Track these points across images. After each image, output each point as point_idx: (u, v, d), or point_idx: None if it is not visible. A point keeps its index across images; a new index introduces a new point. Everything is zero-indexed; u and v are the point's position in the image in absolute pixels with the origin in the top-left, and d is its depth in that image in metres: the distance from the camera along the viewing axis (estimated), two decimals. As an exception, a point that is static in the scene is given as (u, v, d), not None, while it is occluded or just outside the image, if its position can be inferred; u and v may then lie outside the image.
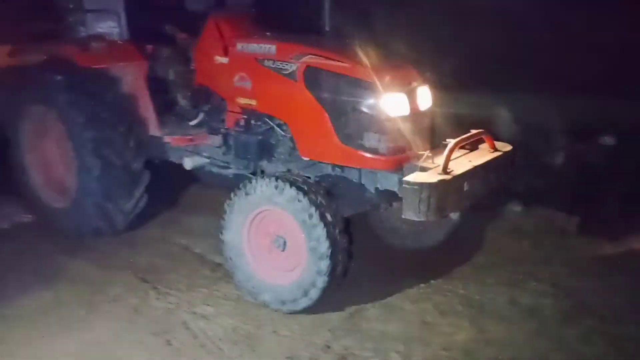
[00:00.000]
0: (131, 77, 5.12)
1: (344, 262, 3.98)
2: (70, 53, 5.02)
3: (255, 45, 4.56)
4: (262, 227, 4.18)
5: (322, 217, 3.82)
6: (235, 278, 4.28)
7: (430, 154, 3.92)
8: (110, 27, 5.18)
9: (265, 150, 4.73)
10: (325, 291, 3.93)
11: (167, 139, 5.22)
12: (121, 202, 5.01)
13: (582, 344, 3.79)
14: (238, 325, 3.98)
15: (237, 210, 4.17)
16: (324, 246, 3.81)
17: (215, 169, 5.23)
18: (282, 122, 4.56)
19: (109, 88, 4.99)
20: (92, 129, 4.79)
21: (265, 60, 4.46)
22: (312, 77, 4.21)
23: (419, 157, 3.94)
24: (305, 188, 3.90)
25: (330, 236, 3.81)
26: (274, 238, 4.12)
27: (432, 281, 4.51)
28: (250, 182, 4.09)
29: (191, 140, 5.15)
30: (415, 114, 4.15)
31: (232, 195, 4.20)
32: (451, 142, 3.79)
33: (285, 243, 4.08)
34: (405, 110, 4.07)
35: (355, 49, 4.20)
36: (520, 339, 3.85)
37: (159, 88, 5.29)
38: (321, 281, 3.87)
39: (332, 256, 3.82)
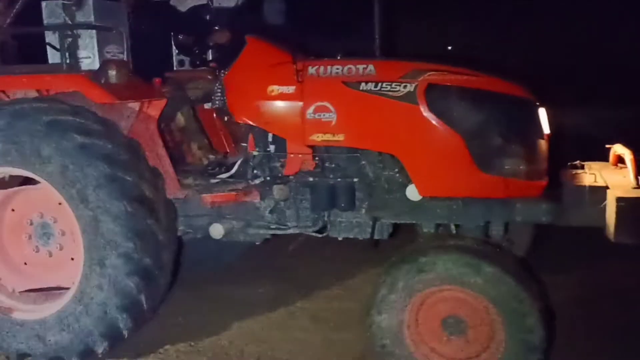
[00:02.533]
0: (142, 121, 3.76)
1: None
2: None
3: (339, 67, 3.68)
4: (432, 308, 3.24)
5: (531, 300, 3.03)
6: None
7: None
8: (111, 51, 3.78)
9: (346, 197, 3.79)
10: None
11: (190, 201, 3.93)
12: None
13: None
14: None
15: (401, 289, 3.18)
16: (537, 337, 3.01)
17: (252, 233, 4.06)
18: (381, 157, 3.73)
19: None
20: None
21: (362, 84, 3.61)
22: (438, 97, 3.50)
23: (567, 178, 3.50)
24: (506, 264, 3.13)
25: (543, 323, 3.03)
26: (447, 321, 3.21)
27: None
28: (426, 257, 3.16)
29: (228, 199, 3.92)
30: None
31: (389, 271, 3.22)
32: (628, 153, 3.41)
33: (465, 327, 3.19)
34: (548, 129, 3.59)
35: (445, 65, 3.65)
36: None
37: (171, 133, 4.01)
38: None
39: (544, 349, 3.05)
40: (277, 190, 3.83)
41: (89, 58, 3.65)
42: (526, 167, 3.51)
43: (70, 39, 3.39)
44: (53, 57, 3.83)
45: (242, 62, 3.92)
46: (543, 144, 3.54)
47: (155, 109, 3.78)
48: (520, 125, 3.52)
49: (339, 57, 3.86)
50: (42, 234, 3.72)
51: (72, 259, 3.71)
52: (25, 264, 3.84)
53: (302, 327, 4.12)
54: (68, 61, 3.43)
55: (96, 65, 3.66)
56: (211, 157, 4.21)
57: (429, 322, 3.23)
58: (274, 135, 3.90)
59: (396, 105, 3.55)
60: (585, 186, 3.43)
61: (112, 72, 3.40)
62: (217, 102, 4.09)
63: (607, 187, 3.32)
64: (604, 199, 3.25)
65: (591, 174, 3.52)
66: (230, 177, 4.09)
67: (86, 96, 3.38)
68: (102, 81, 3.42)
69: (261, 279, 4.88)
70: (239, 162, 4.11)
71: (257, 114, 3.85)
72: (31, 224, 3.72)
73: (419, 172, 3.60)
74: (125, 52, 3.72)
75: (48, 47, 3.74)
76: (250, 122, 3.90)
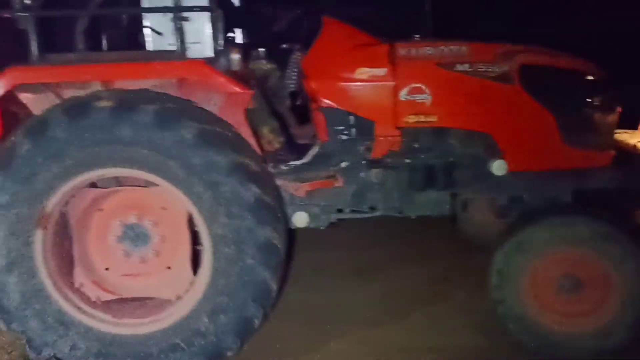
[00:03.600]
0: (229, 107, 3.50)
1: None
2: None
3: (431, 49, 3.73)
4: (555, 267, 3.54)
5: None
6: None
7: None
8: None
9: (436, 176, 3.90)
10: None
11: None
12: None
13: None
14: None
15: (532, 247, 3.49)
16: None
17: (334, 218, 4.01)
18: (469, 135, 3.84)
19: None
20: None
21: (457, 65, 3.70)
22: (531, 77, 3.70)
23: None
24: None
25: None
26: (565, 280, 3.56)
27: None
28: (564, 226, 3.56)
29: (323, 185, 3.83)
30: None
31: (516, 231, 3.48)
32: None
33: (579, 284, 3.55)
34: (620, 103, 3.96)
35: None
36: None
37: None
38: None
39: None
40: (372, 177, 3.82)
41: (197, 44, 3.30)
42: (601, 139, 3.87)
43: (181, 22, 3.05)
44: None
45: (323, 44, 3.81)
46: (615, 117, 3.91)
47: (246, 95, 3.56)
48: (598, 101, 3.85)
49: (417, 37, 3.94)
50: (135, 238, 3.38)
51: (169, 267, 3.44)
52: (107, 269, 3.47)
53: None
54: (181, 47, 3.09)
55: (206, 52, 3.33)
56: (282, 140, 4.04)
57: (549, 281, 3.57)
58: (358, 118, 3.86)
59: (491, 85, 3.71)
60: None
61: (236, 58, 3.14)
62: (291, 84, 3.94)
63: None
64: None
65: None
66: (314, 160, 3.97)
67: (207, 85, 3.08)
68: (223, 68, 3.15)
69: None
70: (315, 146, 4.01)
71: (343, 97, 3.78)
72: (123, 226, 3.36)
73: (511, 148, 3.81)
74: (221, 34, 3.39)
75: (148, 32, 3.31)
76: (335, 105, 3.81)
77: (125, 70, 3.16)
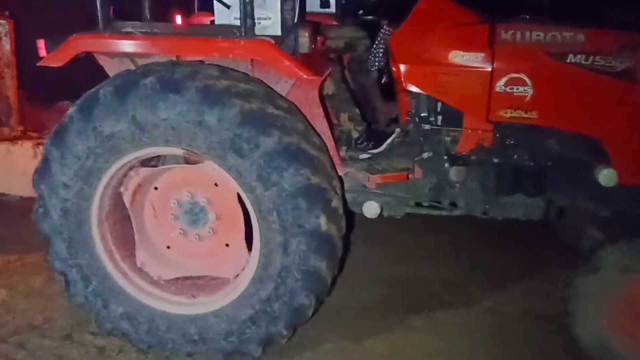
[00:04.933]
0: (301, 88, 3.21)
1: None
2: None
3: (540, 34, 3.18)
4: None
5: None
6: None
7: None
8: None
9: (532, 180, 3.42)
10: None
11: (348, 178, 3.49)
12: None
13: None
14: None
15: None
16: None
17: (406, 211, 3.67)
18: (573, 138, 3.30)
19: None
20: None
21: (569, 55, 3.14)
22: (661, 76, 3.07)
23: None
24: None
25: None
26: None
27: None
28: None
29: (397, 178, 3.49)
30: None
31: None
32: None
33: None
34: None
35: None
36: None
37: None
38: None
39: None
40: (455, 172, 3.42)
41: (267, 19, 3.02)
42: None
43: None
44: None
45: (416, 21, 3.37)
46: None
47: (315, 81, 3.22)
48: None
49: (527, 17, 3.38)
50: (191, 215, 3.27)
51: (227, 245, 3.30)
52: (168, 247, 3.41)
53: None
54: (247, 23, 2.82)
55: (276, 30, 3.04)
56: (361, 128, 3.71)
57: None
58: (446, 106, 3.42)
59: (610, 82, 3.11)
60: None
61: (305, 40, 2.83)
62: (376, 63, 3.56)
63: None
64: None
65: None
66: (388, 150, 3.64)
67: (274, 69, 2.81)
68: (292, 51, 2.86)
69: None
70: (394, 135, 3.65)
71: (432, 82, 3.35)
72: (179, 204, 3.25)
73: (625, 158, 3.22)
74: (295, 10, 3.06)
75: (216, 3, 3.08)
76: (421, 91, 3.40)
77: (190, 46, 2.96)
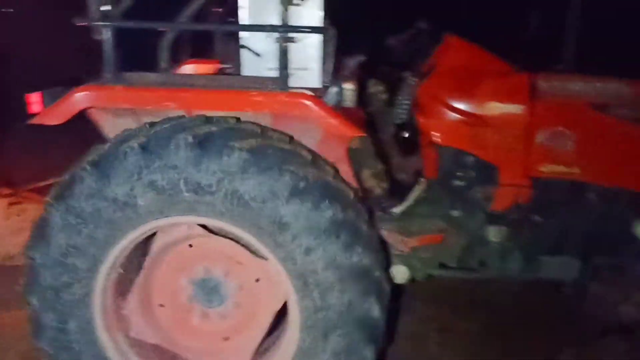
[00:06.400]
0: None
1: None
2: None
3: (581, 84, 3.03)
4: None
5: None
6: None
7: None
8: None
9: (573, 240, 3.21)
10: None
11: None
12: None
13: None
14: None
15: None
16: None
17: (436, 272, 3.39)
18: (610, 191, 3.11)
19: None
20: None
21: (612, 108, 3.00)
22: None
23: None
24: None
25: None
26: None
27: None
28: None
29: (432, 240, 3.21)
30: None
31: None
32: None
33: None
34: None
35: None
36: None
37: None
38: None
39: None
40: (494, 232, 3.19)
41: (304, 70, 2.72)
42: None
43: (287, 44, 2.46)
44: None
45: (446, 70, 3.17)
46: None
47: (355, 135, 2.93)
48: None
49: (559, 67, 3.24)
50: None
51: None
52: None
53: None
54: (283, 74, 2.51)
55: (312, 81, 2.73)
56: (385, 185, 3.44)
57: None
58: (479, 161, 3.21)
59: (655, 134, 2.99)
60: None
61: (351, 93, 2.54)
62: (402, 116, 3.32)
63: None
64: None
65: None
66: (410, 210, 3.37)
67: (317, 125, 2.50)
68: (333, 103, 2.57)
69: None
70: (417, 192, 3.38)
71: (466, 136, 3.14)
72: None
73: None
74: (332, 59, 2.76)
75: (243, 52, 2.76)
76: (452, 144, 3.19)
77: (216, 99, 2.59)
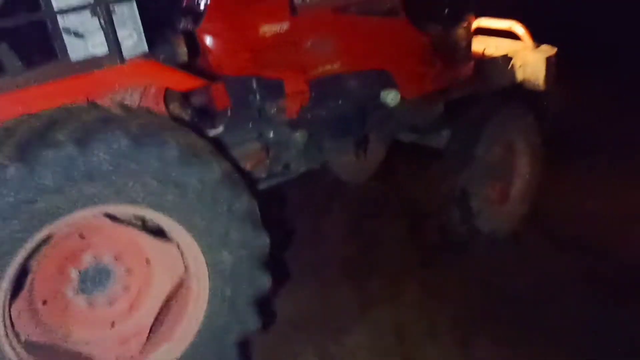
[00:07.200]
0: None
1: None
2: None
3: (322, -6, 3.58)
4: None
5: None
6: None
7: None
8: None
9: (351, 122, 3.92)
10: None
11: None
12: None
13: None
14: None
15: None
16: None
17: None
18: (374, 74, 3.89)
19: None
20: None
21: (350, 7, 3.65)
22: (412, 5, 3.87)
23: None
24: None
25: None
26: None
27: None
28: None
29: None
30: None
31: None
32: None
33: None
34: None
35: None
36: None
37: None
38: None
39: None
40: (299, 136, 3.65)
41: (130, 37, 2.50)
42: (464, 52, 4.37)
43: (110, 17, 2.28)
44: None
45: (217, 7, 3.34)
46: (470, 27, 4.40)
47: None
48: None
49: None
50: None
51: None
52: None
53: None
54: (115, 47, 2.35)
55: (142, 47, 2.56)
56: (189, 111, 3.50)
57: None
58: (266, 81, 3.55)
59: (383, 21, 3.83)
60: None
61: (183, 50, 2.53)
62: (182, 57, 3.39)
63: None
64: None
65: None
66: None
67: (169, 86, 2.45)
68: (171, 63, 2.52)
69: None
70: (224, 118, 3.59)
71: (249, 62, 3.44)
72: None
73: (404, 78, 4.02)
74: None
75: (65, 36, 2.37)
76: (240, 74, 3.46)
77: (64, 90, 2.33)
